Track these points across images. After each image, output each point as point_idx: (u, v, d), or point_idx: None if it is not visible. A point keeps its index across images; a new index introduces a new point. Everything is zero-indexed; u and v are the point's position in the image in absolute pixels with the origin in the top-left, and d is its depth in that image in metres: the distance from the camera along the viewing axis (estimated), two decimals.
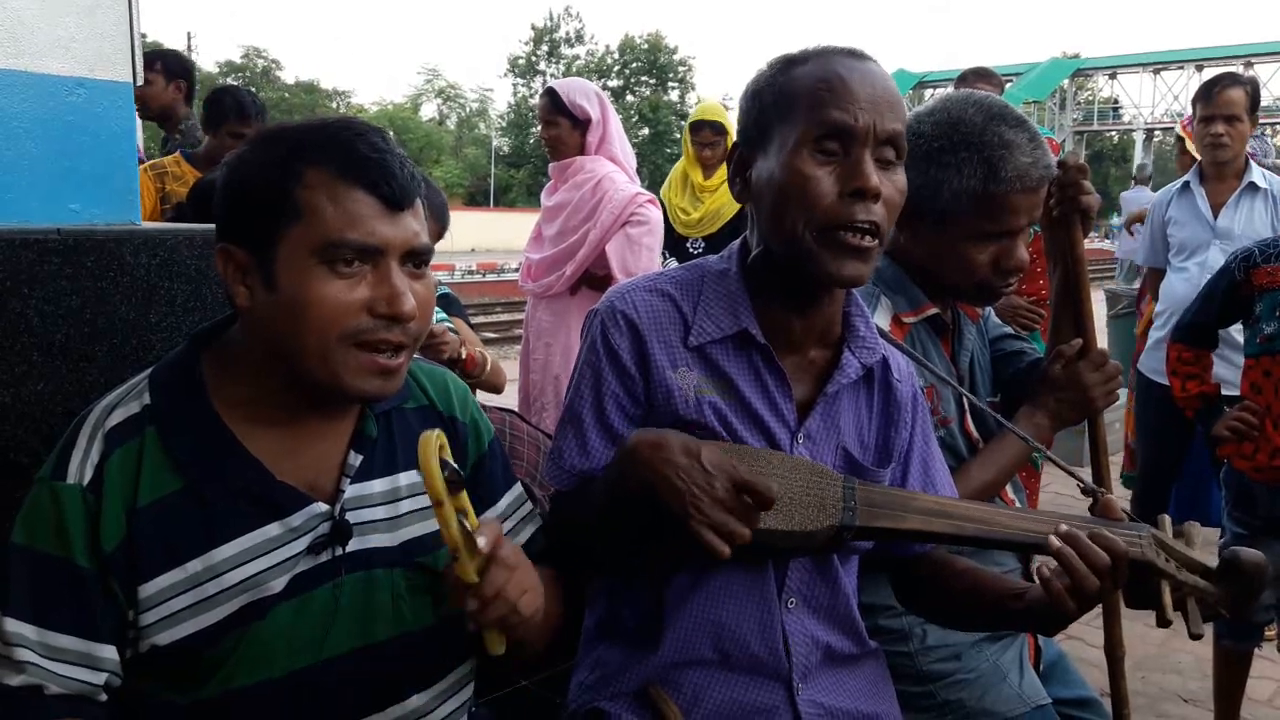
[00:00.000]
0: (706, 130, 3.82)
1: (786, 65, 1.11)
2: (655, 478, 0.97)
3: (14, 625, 0.92)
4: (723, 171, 4.10)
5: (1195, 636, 1.08)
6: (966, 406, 1.51)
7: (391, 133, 1.02)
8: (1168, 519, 1.13)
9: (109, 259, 1.40)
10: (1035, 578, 1.06)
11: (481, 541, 0.90)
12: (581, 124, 3.17)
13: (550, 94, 3.20)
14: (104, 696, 0.96)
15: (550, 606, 1.14)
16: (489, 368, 2.24)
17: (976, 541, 1.13)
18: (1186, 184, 3.22)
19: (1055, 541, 1.03)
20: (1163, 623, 1.07)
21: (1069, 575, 1.01)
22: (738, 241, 1.21)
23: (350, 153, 0.95)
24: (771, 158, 1.09)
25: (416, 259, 0.99)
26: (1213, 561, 1.10)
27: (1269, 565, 1.09)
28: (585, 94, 3.19)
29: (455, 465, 0.90)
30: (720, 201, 3.77)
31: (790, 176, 1.05)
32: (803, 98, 1.06)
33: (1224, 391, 2.37)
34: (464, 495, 0.91)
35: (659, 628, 1.15)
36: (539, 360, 3.29)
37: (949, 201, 1.37)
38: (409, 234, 0.97)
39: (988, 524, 1.11)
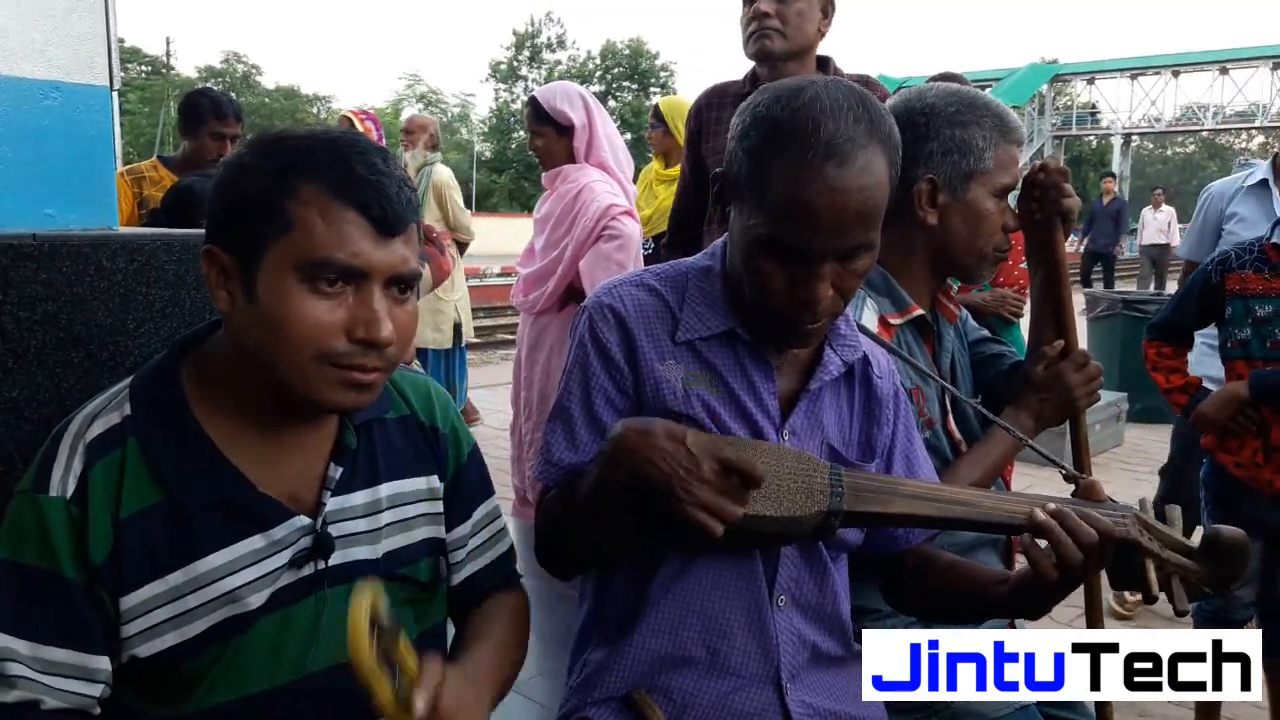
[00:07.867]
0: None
1: (769, 137, 1.03)
2: (642, 463, 0.97)
3: (4, 640, 0.90)
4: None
5: (1181, 614, 1.09)
6: (949, 408, 1.52)
7: (393, 156, 0.98)
8: (1148, 500, 1.15)
9: (85, 264, 1.38)
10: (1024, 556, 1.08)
11: (419, 705, 0.83)
12: (567, 130, 3.02)
13: (532, 103, 3.07)
14: (98, 710, 0.94)
15: (518, 636, 1.17)
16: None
17: (963, 524, 1.13)
18: (1263, 181, 2.88)
19: (1040, 515, 1.06)
20: (1149, 599, 1.09)
21: (1054, 550, 1.03)
22: (722, 239, 1.20)
23: (348, 171, 0.93)
24: (739, 222, 1.08)
25: (401, 284, 0.97)
26: (1195, 542, 1.12)
27: (1249, 542, 1.10)
28: (568, 98, 3.03)
29: (391, 619, 0.84)
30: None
31: (745, 262, 1.08)
32: (770, 201, 1.02)
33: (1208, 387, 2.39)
34: (401, 640, 0.85)
35: (640, 614, 1.14)
36: (526, 377, 3.22)
37: (976, 158, 1.42)
38: (396, 259, 0.95)
39: (973, 506, 1.12)
